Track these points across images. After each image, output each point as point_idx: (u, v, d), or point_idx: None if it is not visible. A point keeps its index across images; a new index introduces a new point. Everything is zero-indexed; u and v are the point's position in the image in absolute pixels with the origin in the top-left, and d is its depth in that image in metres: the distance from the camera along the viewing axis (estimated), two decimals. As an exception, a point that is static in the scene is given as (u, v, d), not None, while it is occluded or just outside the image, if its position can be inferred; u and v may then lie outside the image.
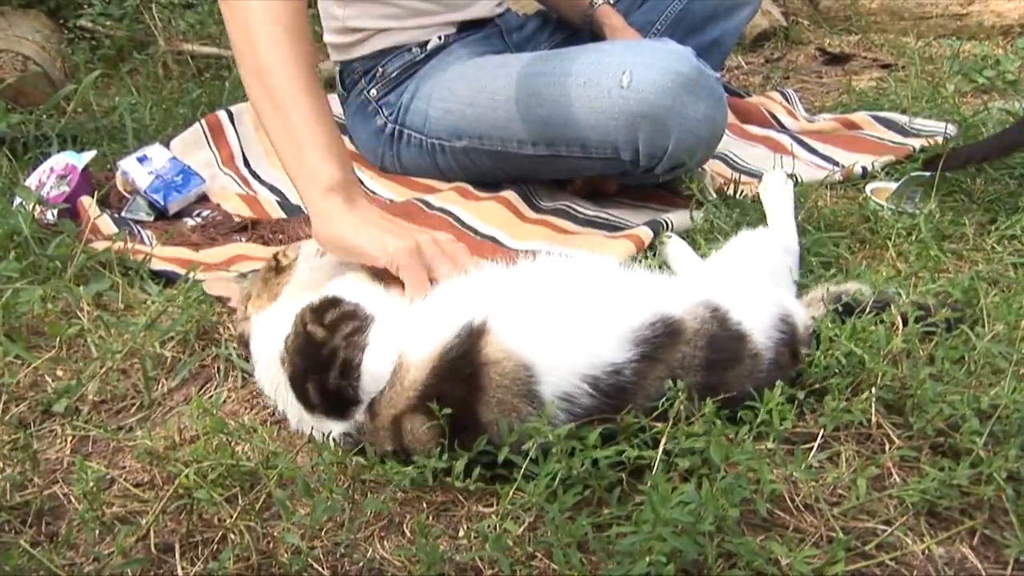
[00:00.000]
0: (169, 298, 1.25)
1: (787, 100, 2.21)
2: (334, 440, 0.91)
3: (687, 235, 1.39)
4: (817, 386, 0.98)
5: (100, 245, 1.38)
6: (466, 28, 1.74)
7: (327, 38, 1.76)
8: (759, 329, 0.94)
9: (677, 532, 0.72)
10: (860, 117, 2.02)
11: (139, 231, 1.53)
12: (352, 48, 1.71)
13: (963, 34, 2.89)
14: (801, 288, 1.20)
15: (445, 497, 0.88)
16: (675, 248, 1.32)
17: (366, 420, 0.89)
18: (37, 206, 1.46)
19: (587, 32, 1.85)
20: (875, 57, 2.72)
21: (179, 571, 0.81)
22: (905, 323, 1.01)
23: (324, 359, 0.89)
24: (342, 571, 0.81)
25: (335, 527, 0.84)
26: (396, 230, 1.05)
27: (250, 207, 1.66)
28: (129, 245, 1.39)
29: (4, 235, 1.37)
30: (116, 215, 1.59)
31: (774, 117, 2.09)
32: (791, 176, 1.48)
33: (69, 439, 1.01)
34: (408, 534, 0.84)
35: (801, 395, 0.95)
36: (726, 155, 1.81)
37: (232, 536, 0.83)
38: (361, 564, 0.81)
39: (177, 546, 0.83)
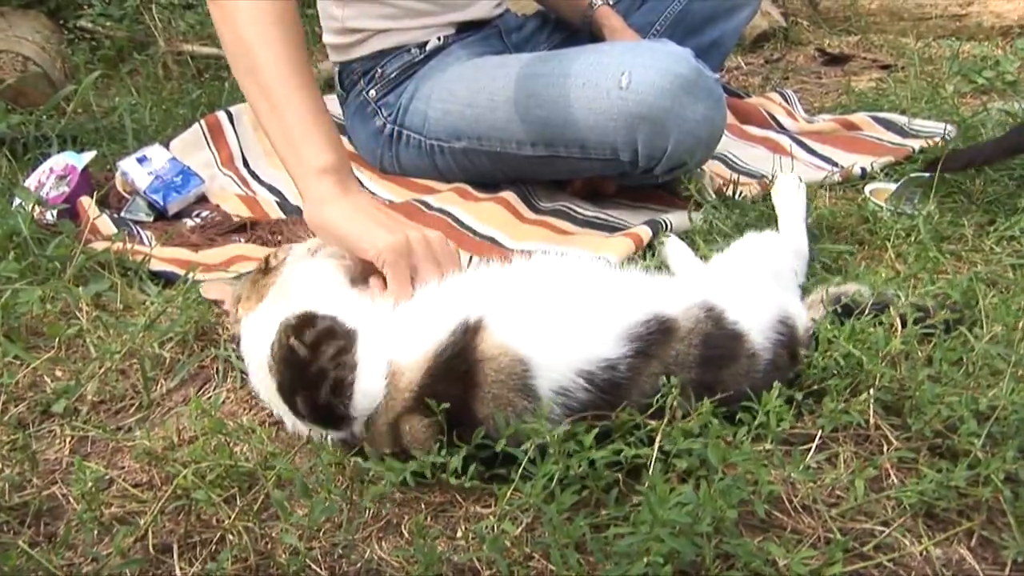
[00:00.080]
0: (168, 299, 1.26)
1: (786, 101, 2.21)
2: (332, 441, 0.91)
3: (686, 236, 1.39)
4: (815, 387, 0.98)
5: (99, 246, 1.38)
6: (465, 29, 1.74)
7: (326, 39, 1.76)
8: (756, 329, 0.94)
9: (675, 533, 0.72)
10: (859, 118, 2.01)
11: (138, 232, 1.53)
12: (351, 49, 1.71)
13: (962, 35, 2.89)
14: (803, 290, 1.19)
15: (443, 498, 0.89)
16: (674, 249, 1.32)
17: (362, 429, 0.89)
18: (36, 206, 1.46)
19: (586, 33, 1.85)
20: (874, 58, 2.72)
21: (177, 571, 0.81)
22: (904, 324, 1.01)
23: (312, 377, 0.89)
24: (340, 572, 0.81)
25: (333, 528, 0.84)
26: (388, 223, 1.05)
27: (249, 208, 1.66)
28: (128, 246, 1.39)
29: (3, 235, 1.37)
30: (115, 215, 1.60)
31: (773, 118, 2.09)
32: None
33: (68, 439, 1.01)
34: (406, 535, 0.84)
35: (799, 396, 0.95)
36: (725, 156, 1.81)
37: (230, 537, 0.83)
38: (359, 565, 0.81)
39: (175, 547, 0.83)
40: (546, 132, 1.48)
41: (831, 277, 1.20)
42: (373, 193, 1.73)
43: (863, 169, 1.69)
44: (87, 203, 1.55)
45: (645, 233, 1.38)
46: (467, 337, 0.86)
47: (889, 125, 1.96)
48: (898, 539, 0.81)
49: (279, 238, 1.52)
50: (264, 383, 0.97)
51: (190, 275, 1.29)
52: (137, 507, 0.89)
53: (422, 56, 1.69)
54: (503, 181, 1.63)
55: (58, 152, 1.73)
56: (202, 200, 1.70)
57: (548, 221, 1.55)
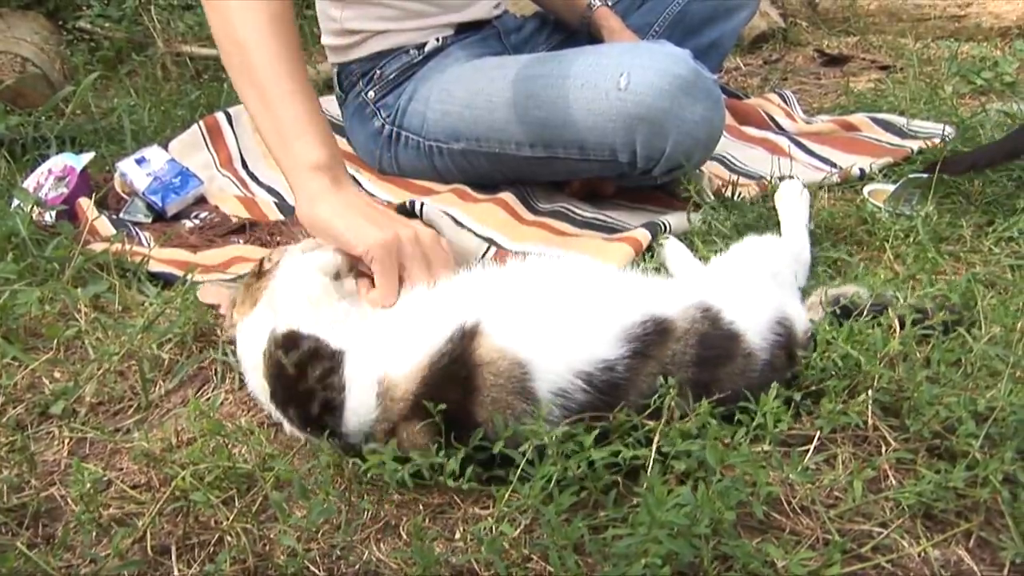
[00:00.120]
0: (167, 300, 1.25)
1: (785, 102, 2.21)
2: (329, 443, 0.91)
3: (684, 237, 1.39)
4: (814, 388, 0.98)
5: (98, 247, 1.38)
6: (464, 30, 1.74)
7: (325, 40, 1.76)
8: (753, 330, 0.94)
9: (673, 534, 0.72)
10: (858, 119, 2.01)
11: (137, 233, 1.54)
12: (350, 50, 1.71)
13: (961, 36, 2.89)
14: (803, 292, 1.19)
15: (441, 499, 0.89)
16: (672, 250, 1.32)
17: (361, 438, 0.89)
18: (35, 208, 1.47)
19: (585, 34, 1.85)
20: (873, 59, 2.72)
21: (175, 573, 0.81)
22: (902, 326, 1.01)
23: (302, 394, 0.89)
24: (338, 573, 0.81)
25: (331, 529, 0.84)
26: (379, 220, 1.05)
27: (248, 209, 1.66)
28: (127, 247, 1.39)
29: (2, 236, 1.37)
30: (114, 217, 1.60)
31: (772, 119, 2.09)
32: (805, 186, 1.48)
33: (66, 441, 1.01)
34: (404, 536, 0.84)
35: (798, 397, 0.95)
36: (724, 157, 1.81)
37: (228, 538, 0.83)
38: (357, 566, 0.81)
39: (173, 548, 0.83)
40: (545, 133, 1.48)
41: (830, 278, 1.20)
42: (371, 194, 1.73)
43: (862, 170, 1.69)
44: (86, 204, 1.55)
45: (644, 237, 1.38)
46: (464, 342, 0.86)
47: (888, 126, 1.96)
48: (896, 540, 0.81)
49: (278, 239, 1.52)
50: (261, 387, 0.97)
51: (189, 276, 1.29)
52: (135, 508, 0.89)
53: (421, 57, 1.69)
54: (502, 182, 1.63)
55: (57, 153, 1.73)
56: (201, 201, 1.70)
57: (547, 222, 1.55)
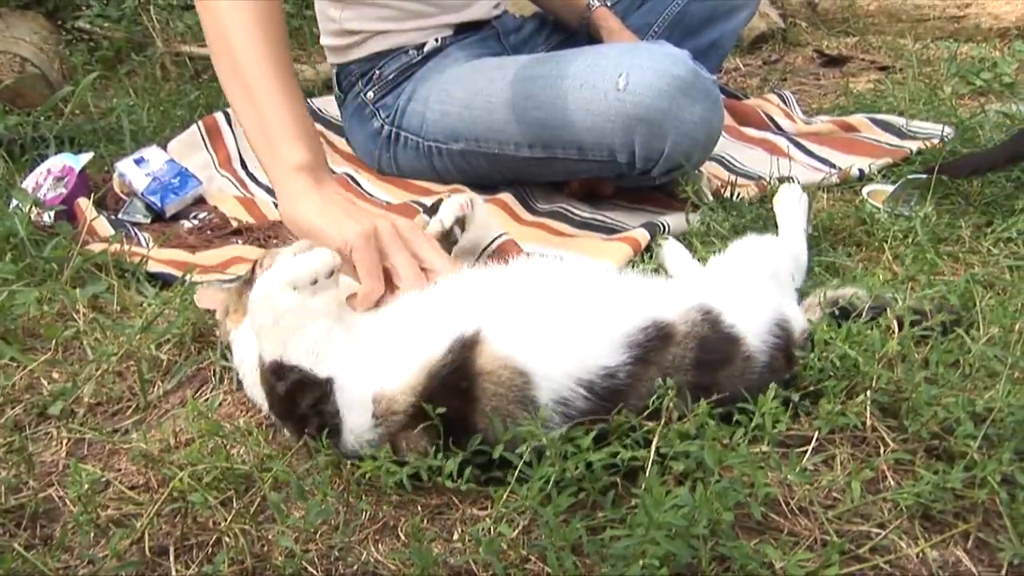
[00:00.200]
0: (165, 300, 1.25)
1: (784, 102, 2.21)
2: (328, 444, 0.91)
3: (683, 238, 1.39)
4: (812, 389, 0.98)
5: (96, 247, 1.38)
6: (463, 30, 1.74)
7: (324, 40, 1.76)
8: (753, 332, 0.94)
9: (671, 535, 0.72)
10: (857, 119, 2.02)
11: (136, 233, 1.54)
12: (349, 50, 1.71)
13: (960, 36, 2.89)
14: (801, 294, 1.19)
15: (439, 500, 0.88)
16: (671, 251, 1.31)
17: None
18: (34, 208, 1.46)
19: (584, 34, 1.85)
20: (873, 59, 2.73)
21: (173, 574, 0.81)
22: (900, 326, 1.01)
23: (298, 417, 0.89)
24: (336, 574, 0.80)
25: (329, 530, 0.84)
26: (357, 214, 1.05)
27: (247, 209, 1.66)
28: (125, 247, 1.39)
29: (1, 237, 1.37)
30: (113, 217, 1.60)
31: (771, 119, 2.09)
32: (804, 189, 1.47)
33: (64, 442, 1.01)
34: (402, 537, 0.84)
35: (796, 398, 0.95)
36: (723, 157, 1.81)
37: (226, 539, 0.83)
38: (355, 567, 0.81)
39: (171, 549, 0.83)
40: (544, 134, 1.48)
41: (829, 279, 1.20)
42: (370, 194, 1.73)
43: (861, 171, 1.69)
44: (84, 204, 1.55)
45: (643, 237, 1.38)
46: (464, 352, 0.85)
47: (887, 127, 1.96)
48: (894, 541, 0.81)
49: (276, 240, 1.52)
50: (258, 391, 0.96)
51: (187, 277, 1.29)
52: (133, 509, 0.89)
53: (420, 57, 1.69)
54: (501, 182, 1.63)
55: (55, 153, 1.73)
56: (200, 202, 1.70)
57: (545, 223, 1.55)
